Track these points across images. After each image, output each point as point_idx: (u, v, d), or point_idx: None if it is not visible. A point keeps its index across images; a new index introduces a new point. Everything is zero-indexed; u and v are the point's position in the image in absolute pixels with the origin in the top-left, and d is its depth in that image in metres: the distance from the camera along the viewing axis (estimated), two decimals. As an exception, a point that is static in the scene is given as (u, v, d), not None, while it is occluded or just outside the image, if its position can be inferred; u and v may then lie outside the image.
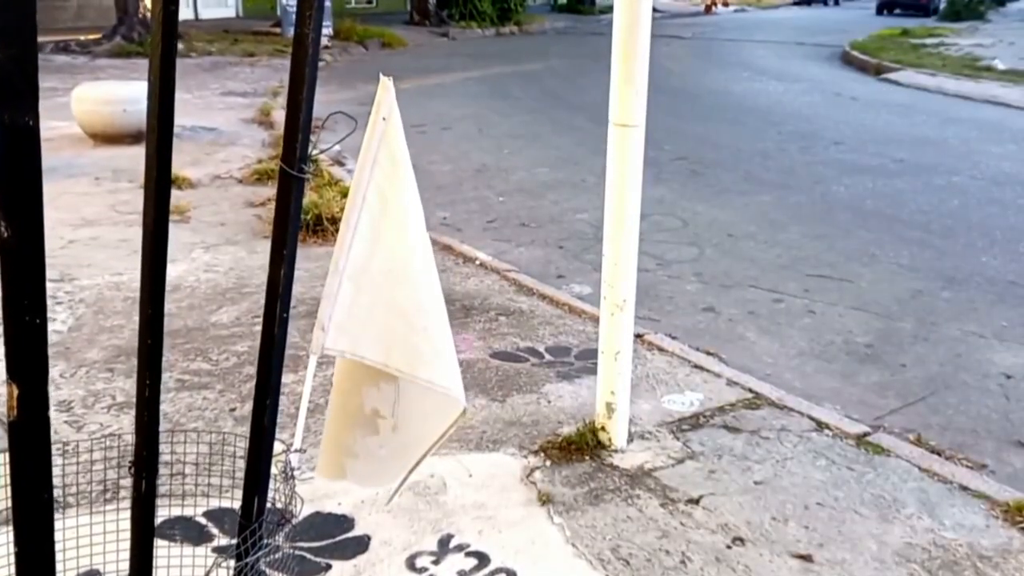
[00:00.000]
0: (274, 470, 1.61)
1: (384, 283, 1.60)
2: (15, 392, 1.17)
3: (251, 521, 1.55)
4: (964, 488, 2.96)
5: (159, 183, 1.40)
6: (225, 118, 9.48)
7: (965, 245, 5.91)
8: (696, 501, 2.83)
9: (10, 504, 1.32)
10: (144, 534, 1.57)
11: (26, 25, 1.03)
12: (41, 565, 1.29)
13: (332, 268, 1.58)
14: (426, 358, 1.63)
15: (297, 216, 1.46)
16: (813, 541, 2.65)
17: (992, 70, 14.53)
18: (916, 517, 2.78)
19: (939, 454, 3.23)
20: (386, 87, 1.51)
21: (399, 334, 1.62)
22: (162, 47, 1.31)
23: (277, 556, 1.76)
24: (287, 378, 3.04)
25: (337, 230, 5.63)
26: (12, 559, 1.37)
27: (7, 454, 1.29)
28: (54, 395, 3.30)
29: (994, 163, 8.36)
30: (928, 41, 19.25)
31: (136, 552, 1.61)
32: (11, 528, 1.35)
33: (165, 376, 3.20)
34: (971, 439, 3.47)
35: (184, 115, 9.15)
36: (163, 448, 1.70)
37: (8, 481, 1.31)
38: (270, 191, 6.50)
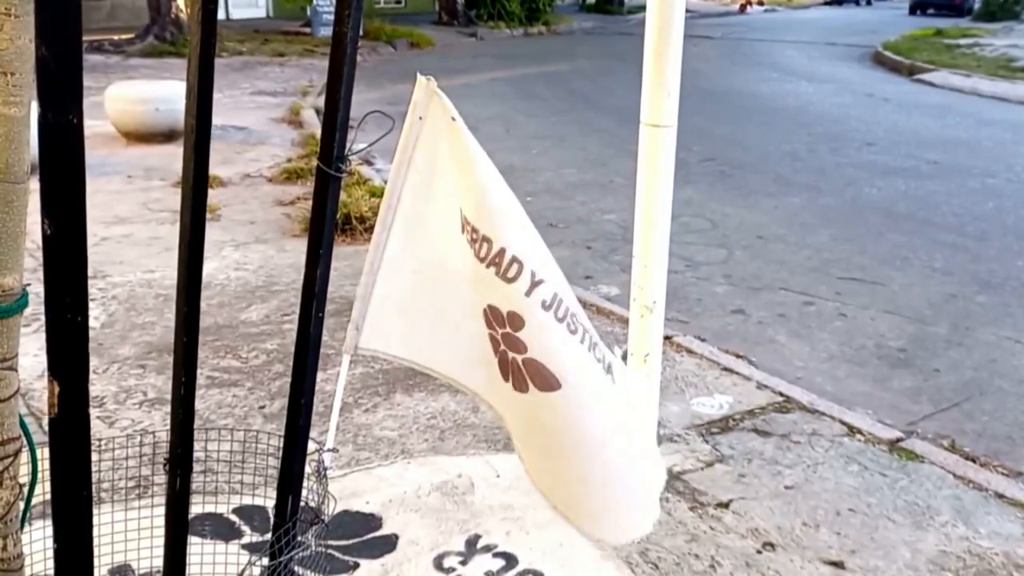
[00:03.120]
0: (307, 469, 1.61)
1: (419, 283, 1.60)
2: (56, 389, 1.18)
3: (285, 520, 1.55)
4: (1000, 496, 2.91)
5: (196, 181, 1.41)
6: (255, 117, 9.56)
7: (1000, 248, 5.81)
8: (726, 505, 2.81)
9: (48, 498, 1.33)
10: (178, 530, 1.58)
11: (70, 23, 1.04)
12: (80, 561, 1.30)
13: (367, 268, 1.58)
14: (462, 359, 1.62)
15: (333, 216, 1.46)
16: (845, 548, 2.61)
17: (1028, 71, 14.28)
18: (951, 525, 2.74)
19: (974, 461, 3.18)
20: (422, 87, 1.51)
21: (434, 334, 1.62)
22: (201, 46, 1.32)
23: (307, 554, 1.76)
24: (317, 376, 3.05)
25: (365, 229, 5.59)
26: (49, 553, 1.39)
27: (47, 449, 1.30)
28: (87, 390, 3.35)
29: (1030, 165, 8.23)
30: (962, 41, 18.97)
31: (170, 548, 1.62)
32: (48, 522, 1.36)
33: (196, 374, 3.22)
34: (1007, 446, 3.41)
35: (215, 114, 9.18)
36: (194, 445, 1.71)
37: (47, 476, 1.32)
38: (299, 190, 6.55)
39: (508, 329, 1.54)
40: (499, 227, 1.53)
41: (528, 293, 1.51)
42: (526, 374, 1.55)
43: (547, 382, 1.55)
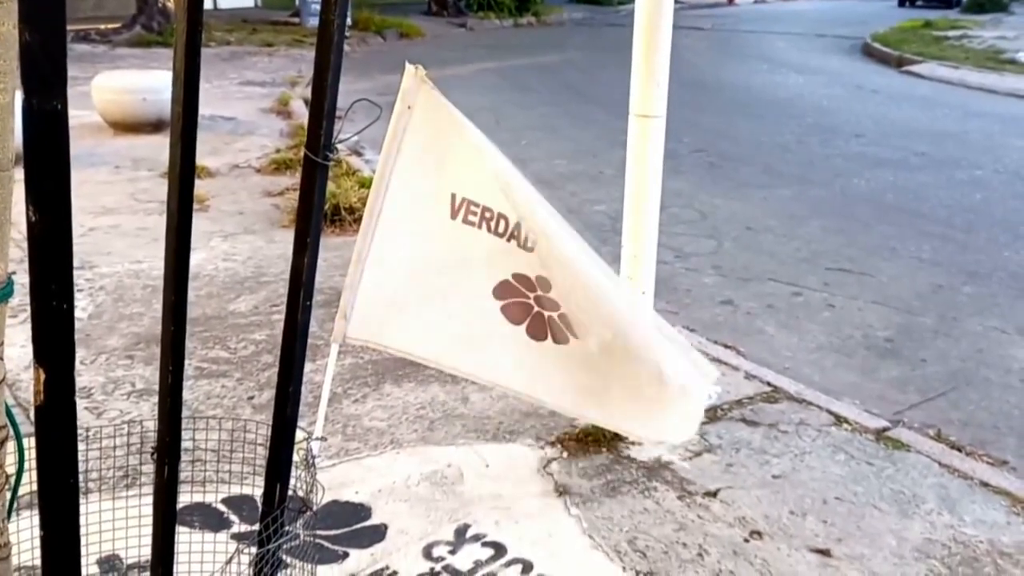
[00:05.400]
0: (295, 458, 1.61)
1: (408, 272, 1.60)
2: (42, 377, 1.18)
3: (273, 508, 1.55)
4: (985, 484, 2.93)
5: (183, 170, 1.40)
6: (243, 108, 9.50)
7: (987, 240, 5.85)
8: (713, 494, 2.82)
9: (35, 488, 1.33)
10: (166, 520, 1.58)
11: (55, 10, 1.03)
12: (67, 549, 1.30)
13: (355, 257, 1.58)
14: (450, 345, 1.63)
15: (321, 204, 1.46)
16: (832, 536, 2.63)
17: (1016, 63, 14.32)
18: (936, 513, 2.76)
19: (959, 450, 3.21)
20: (410, 75, 1.50)
21: (422, 322, 1.62)
22: (187, 33, 1.31)
23: (296, 544, 1.77)
24: (305, 367, 3.06)
25: (355, 220, 5.59)
26: (37, 543, 1.38)
27: (32, 439, 1.30)
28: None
29: (1017, 157, 8.26)
30: (951, 33, 18.99)
31: (158, 538, 1.62)
32: (35, 512, 1.36)
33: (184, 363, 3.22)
34: (992, 435, 3.44)
35: (203, 104, 9.07)
36: (182, 435, 1.70)
37: (34, 465, 1.32)
38: (288, 180, 6.52)
39: (540, 292, 1.68)
40: (511, 203, 1.65)
41: (547, 256, 1.66)
42: (565, 326, 1.69)
43: (584, 328, 1.69)
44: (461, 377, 1.91)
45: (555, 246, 1.66)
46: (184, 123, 1.36)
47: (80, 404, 3.24)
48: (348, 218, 5.39)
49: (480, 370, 1.73)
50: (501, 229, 1.62)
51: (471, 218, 1.60)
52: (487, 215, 1.61)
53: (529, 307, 1.69)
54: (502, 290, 1.67)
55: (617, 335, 1.68)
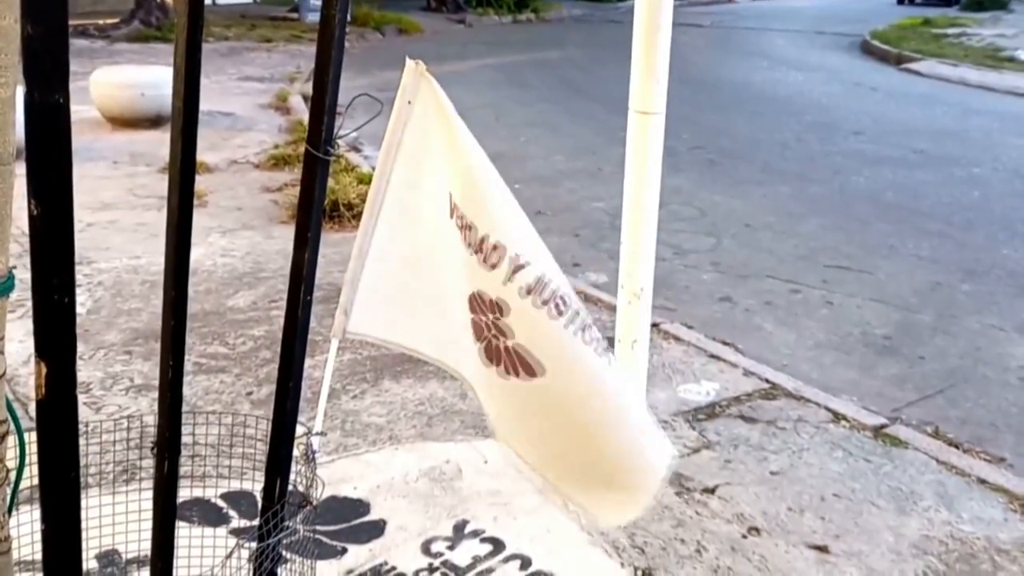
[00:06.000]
0: (295, 452, 1.62)
1: (407, 268, 1.60)
2: (43, 371, 1.18)
3: (273, 503, 1.55)
4: (982, 481, 2.94)
5: (184, 166, 1.40)
6: (242, 103, 9.49)
7: (986, 237, 5.86)
8: (712, 491, 2.83)
9: (36, 483, 1.33)
10: (166, 515, 1.59)
11: (57, 4, 1.03)
12: (68, 544, 1.30)
13: (355, 252, 1.58)
14: (449, 345, 1.63)
15: (321, 199, 1.46)
16: (829, 532, 2.64)
17: (1015, 61, 14.32)
18: (933, 510, 2.77)
19: (957, 447, 3.22)
20: (411, 71, 1.50)
21: (423, 319, 1.62)
22: (188, 29, 1.31)
23: (295, 539, 1.77)
24: (305, 361, 3.06)
25: (353, 216, 5.58)
26: (37, 537, 1.39)
27: (32, 433, 1.30)
28: (74, 376, 3.34)
29: (1016, 155, 8.26)
30: (950, 31, 18.99)
31: (157, 533, 1.62)
32: (36, 507, 1.36)
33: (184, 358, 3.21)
34: (990, 433, 3.45)
35: (202, 100, 9.07)
36: (182, 430, 1.70)
37: (35, 460, 1.32)
38: (287, 176, 6.52)
39: (495, 315, 1.53)
40: (484, 213, 1.51)
41: (508, 280, 1.50)
42: (514, 360, 1.55)
43: (530, 369, 1.54)
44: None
45: (525, 270, 1.50)
46: (185, 119, 1.36)
47: (79, 399, 3.24)
48: (347, 214, 5.39)
49: (466, 376, 1.69)
50: (469, 240, 1.50)
51: (458, 221, 1.53)
52: (462, 221, 1.51)
53: (482, 329, 1.55)
54: (471, 303, 1.56)
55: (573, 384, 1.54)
